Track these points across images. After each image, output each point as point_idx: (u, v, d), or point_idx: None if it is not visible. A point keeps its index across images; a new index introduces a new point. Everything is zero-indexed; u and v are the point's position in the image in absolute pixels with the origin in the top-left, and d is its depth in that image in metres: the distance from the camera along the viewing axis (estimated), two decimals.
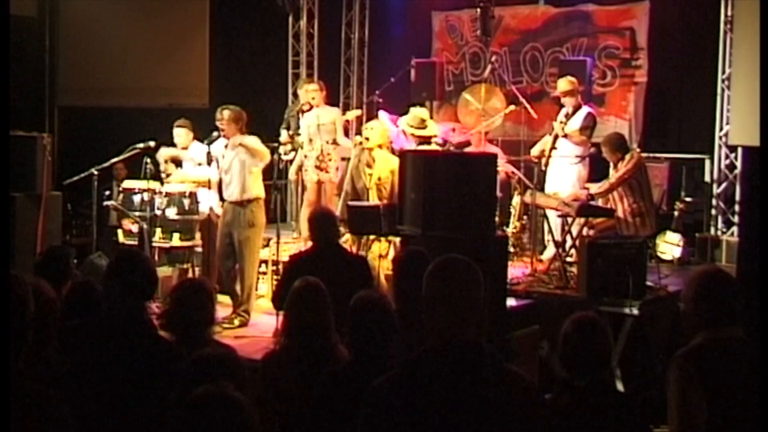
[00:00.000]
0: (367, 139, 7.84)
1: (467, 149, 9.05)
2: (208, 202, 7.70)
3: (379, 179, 7.71)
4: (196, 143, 7.88)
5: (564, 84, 8.33)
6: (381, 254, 7.07)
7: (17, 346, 2.51)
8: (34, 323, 2.62)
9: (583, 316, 3.40)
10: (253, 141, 7.30)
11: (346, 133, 9.85)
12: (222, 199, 7.57)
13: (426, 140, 7.95)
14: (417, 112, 8.12)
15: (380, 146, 7.86)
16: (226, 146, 7.35)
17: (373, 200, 7.71)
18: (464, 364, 2.34)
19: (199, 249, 7.99)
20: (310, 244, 5.99)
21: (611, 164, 7.72)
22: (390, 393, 2.38)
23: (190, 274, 7.71)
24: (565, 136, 8.16)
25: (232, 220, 7.29)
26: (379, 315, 3.44)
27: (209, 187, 7.60)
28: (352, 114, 9.97)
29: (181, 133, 7.87)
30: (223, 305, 7.41)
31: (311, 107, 9.16)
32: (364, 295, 3.61)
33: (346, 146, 8.86)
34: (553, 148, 8.19)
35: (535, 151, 8.34)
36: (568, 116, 8.22)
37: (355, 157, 8.37)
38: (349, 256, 5.92)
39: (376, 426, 2.37)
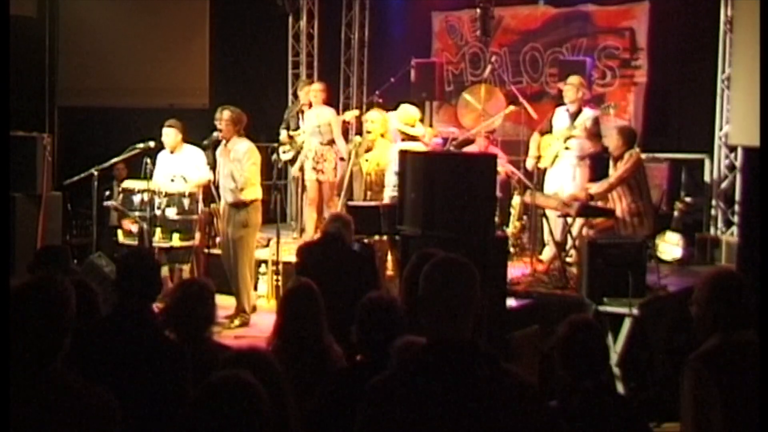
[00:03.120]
0: (369, 132, 7.97)
1: (468, 148, 9.05)
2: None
3: (377, 165, 7.85)
4: (189, 146, 7.83)
5: (573, 78, 8.31)
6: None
7: (55, 348, 2.53)
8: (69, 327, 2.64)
9: (578, 318, 3.41)
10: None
11: (346, 134, 9.86)
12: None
13: (412, 139, 7.96)
14: (411, 112, 8.11)
15: (382, 135, 7.98)
16: (225, 145, 7.37)
17: (365, 187, 7.88)
18: (460, 364, 2.34)
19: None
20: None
21: (611, 164, 7.72)
22: (387, 392, 2.38)
23: (186, 274, 7.74)
24: (571, 137, 8.14)
25: (228, 221, 7.36)
26: (388, 316, 3.43)
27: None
28: (351, 115, 9.98)
29: (169, 133, 7.72)
30: (222, 307, 7.46)
31: (311, 106, 9.18)
32: (373, 296, 3.61)
33: (343, 149, 8.89)
34: (565, 148, 8.15)
35: (529, 164, 8.31)
36: (572, 118, 8.19)
37: (354, 156, 8.39)
38: (356, 248, 6.07)
39: (373, 425, 2.37)
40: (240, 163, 7.29)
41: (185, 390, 3.38)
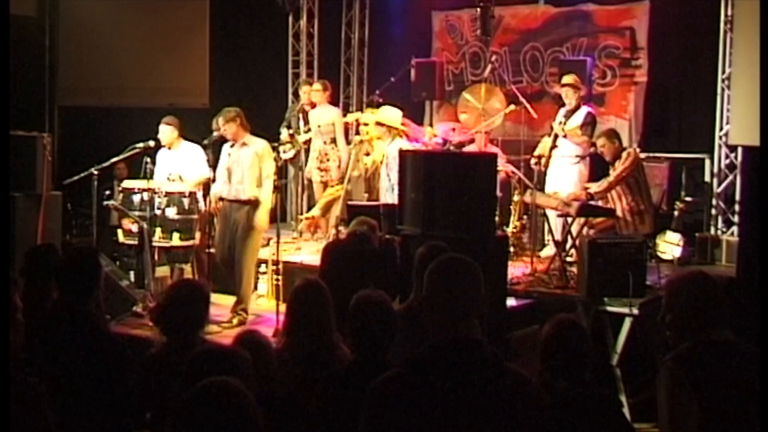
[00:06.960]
0: (367, 133, 8.03)
1: (467, 148, 9.06)
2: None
3: (373, 164, 7.93)
4: (187, 143, 7.83)
5: (568, 77, 8.40)
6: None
7: None
8: None
9: (563, 318, 3.41)
10: (267, 167, 7.30)
11: (346, 135, 9.88)
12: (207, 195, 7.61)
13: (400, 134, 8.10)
14: (394, 114, 8.19)
15: (378, 138, 8.02)
16: (232, 145, 7.33)
17: (367, 189, 7.93)
18: (465, 363, 2.34)
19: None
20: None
21: (611, 164, 7.74)
22: (391, 391, 2.38)
23: (188, 274, 7.73)
24: (565, 136, 8.20)
25: (234, 219, 7.27)
26: (381, 314, 3.42)
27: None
28: (352, 117, 9.98)
29: (165, 130, 7.73)
30: (218, 306, 7.44)
31: (314, 105, 9.18)
32: (365, 294, 3.59)
33: (342, 150, 8.88)
34: (553, 147, 8.21)
35: (536, 153, 8.41)
36: (567, 115, 8.26)
37: (354, 155, 8.41)
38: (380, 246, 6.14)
39: (378, 424, 2.37)
40: (260, 159, 7.23)
41: (125, 382, 3.54)
